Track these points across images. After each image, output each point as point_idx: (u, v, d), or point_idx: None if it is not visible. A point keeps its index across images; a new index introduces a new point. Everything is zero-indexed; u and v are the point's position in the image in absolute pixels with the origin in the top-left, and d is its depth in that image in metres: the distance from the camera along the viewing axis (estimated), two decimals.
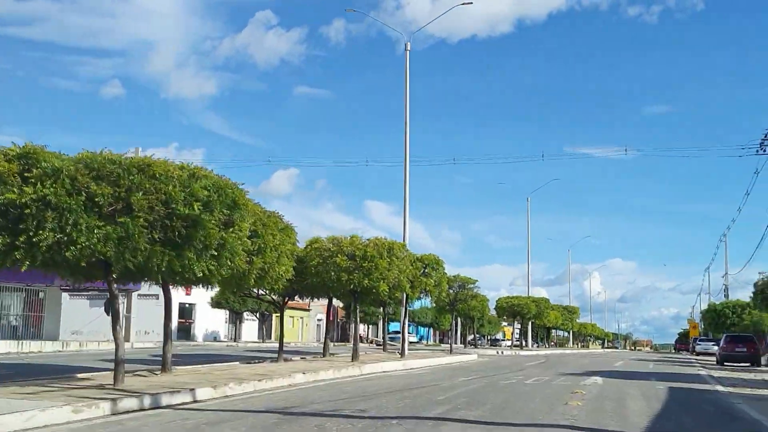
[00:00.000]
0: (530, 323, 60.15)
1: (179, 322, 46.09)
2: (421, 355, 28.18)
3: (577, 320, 78.04)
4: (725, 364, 31.02)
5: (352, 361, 21.21)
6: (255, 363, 20.38)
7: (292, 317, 62.54)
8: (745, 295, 73.82)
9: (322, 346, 24.16)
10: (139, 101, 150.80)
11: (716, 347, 57.99)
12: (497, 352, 41.74)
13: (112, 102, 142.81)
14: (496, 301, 48.84)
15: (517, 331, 63.82)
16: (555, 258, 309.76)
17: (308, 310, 64.77)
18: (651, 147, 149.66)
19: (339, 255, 19.67)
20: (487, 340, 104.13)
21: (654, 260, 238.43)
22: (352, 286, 19.91)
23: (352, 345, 21.85)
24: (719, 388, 16.15)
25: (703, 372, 23.69)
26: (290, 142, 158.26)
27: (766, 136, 32.45)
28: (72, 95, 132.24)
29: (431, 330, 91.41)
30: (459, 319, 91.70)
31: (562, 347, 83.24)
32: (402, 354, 25.31)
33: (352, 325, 72.71)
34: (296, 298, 26.98)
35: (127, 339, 36.96)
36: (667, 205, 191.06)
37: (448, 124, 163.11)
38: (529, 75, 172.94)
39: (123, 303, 36.90)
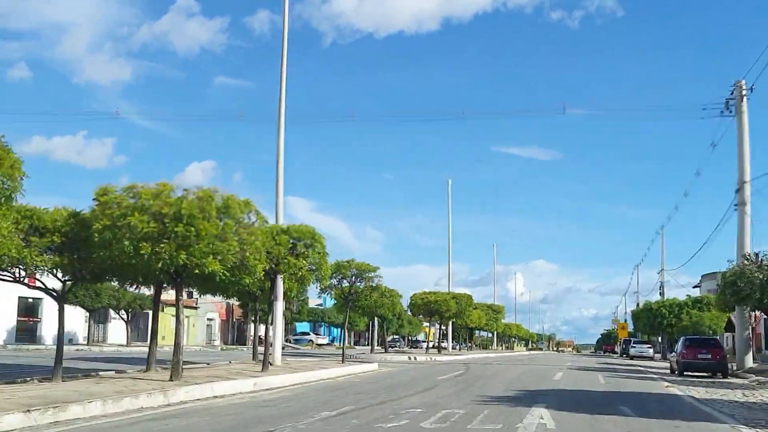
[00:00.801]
0: (450, 323, 53.85)
1: (19, 320, 37.29)
2: (300, 366, 20.97)
3: (502, 320, 72.23)
4: (686, 374, 24.97)
5: (171, 379, 13.86)
6: (19, 383, 13.01)
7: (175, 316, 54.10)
8: (680, 293, 69.58)
9: (164, 354, 16.69)
10: (48, 86, 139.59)
11: (651, 350, 52.99)
12: (409, 359, 34.95)
13: (18, 86, 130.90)
14: (411, 297, 42.17)
15: (437, 332, 57.48)
16: (480, 259, 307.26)
17: (196, 308, 56.30)
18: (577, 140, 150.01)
19: (137, 213, 12.23)
20: (408, 342, 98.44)
21: (576, 262, 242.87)
22: (161, 264, 12.47)
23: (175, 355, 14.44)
24: None
25: (678, 391, 17.26)
26: (208, 133, 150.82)
27: (732, 93, 26.57)
28: None
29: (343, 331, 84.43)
30: (375, 319, 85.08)
31: (486, 349, 77.69)
32: (264, 367, 17.99)
33: (251, 325, 64.55)
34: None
35: None
36: (589, 207, 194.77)
37: (370, 123, 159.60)
38: (454, 74, 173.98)
39: None
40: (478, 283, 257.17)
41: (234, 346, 56.15)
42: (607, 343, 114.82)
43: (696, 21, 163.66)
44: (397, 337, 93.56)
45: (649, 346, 52.13)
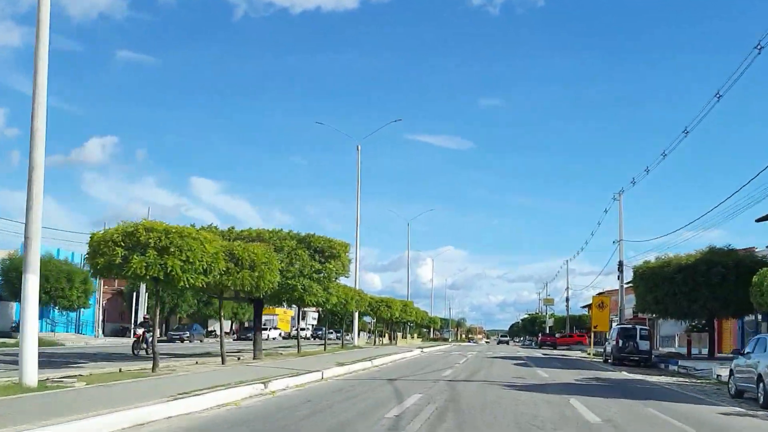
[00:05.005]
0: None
1: None
2: None
3: (351, 285, 33.41)
4: None
5: None
6: None
7: None
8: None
9: None
10: None
11: None
12: None
13: None
14: None
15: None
16: (388, 245, 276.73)
17: None
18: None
19: None
20: (244, 332, 62.55)
21: (484, 249, 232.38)
22: None
23: None
24: None
25: None
26: (109, 110, 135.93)
27: None
28: None
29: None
30: (141, 290, 46.17)
31: (347, 349, 39.97)
32: None
33: None
34: None
35: None
36: (498, 197, 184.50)
37: (282, 104, 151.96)
38: (368, 56, 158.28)
39: None
40: (387, 268, 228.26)
41: None
42: (544, 333, 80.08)
43: (614, 16, 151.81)
44: (195, 326, 55.23)
45: None
